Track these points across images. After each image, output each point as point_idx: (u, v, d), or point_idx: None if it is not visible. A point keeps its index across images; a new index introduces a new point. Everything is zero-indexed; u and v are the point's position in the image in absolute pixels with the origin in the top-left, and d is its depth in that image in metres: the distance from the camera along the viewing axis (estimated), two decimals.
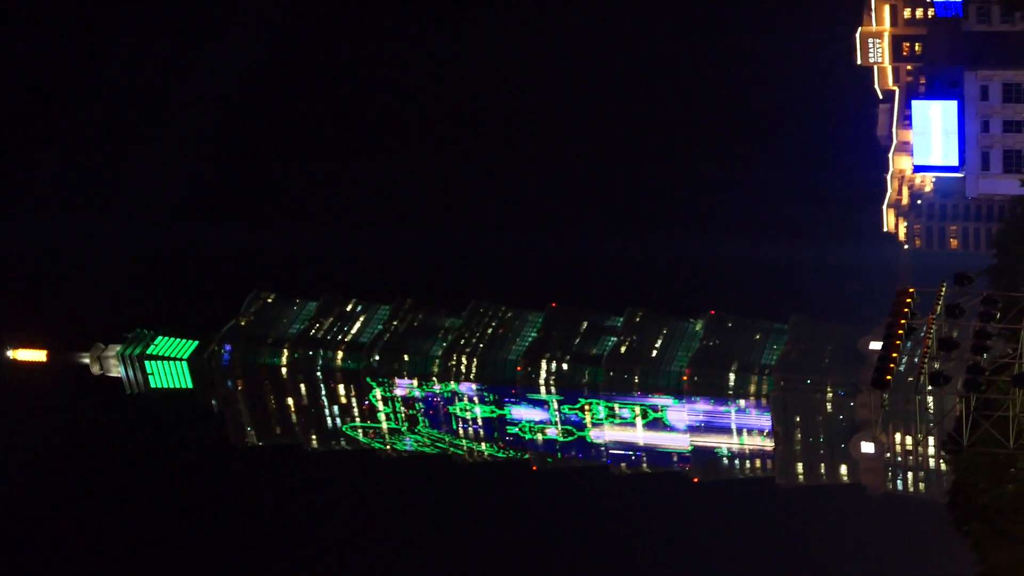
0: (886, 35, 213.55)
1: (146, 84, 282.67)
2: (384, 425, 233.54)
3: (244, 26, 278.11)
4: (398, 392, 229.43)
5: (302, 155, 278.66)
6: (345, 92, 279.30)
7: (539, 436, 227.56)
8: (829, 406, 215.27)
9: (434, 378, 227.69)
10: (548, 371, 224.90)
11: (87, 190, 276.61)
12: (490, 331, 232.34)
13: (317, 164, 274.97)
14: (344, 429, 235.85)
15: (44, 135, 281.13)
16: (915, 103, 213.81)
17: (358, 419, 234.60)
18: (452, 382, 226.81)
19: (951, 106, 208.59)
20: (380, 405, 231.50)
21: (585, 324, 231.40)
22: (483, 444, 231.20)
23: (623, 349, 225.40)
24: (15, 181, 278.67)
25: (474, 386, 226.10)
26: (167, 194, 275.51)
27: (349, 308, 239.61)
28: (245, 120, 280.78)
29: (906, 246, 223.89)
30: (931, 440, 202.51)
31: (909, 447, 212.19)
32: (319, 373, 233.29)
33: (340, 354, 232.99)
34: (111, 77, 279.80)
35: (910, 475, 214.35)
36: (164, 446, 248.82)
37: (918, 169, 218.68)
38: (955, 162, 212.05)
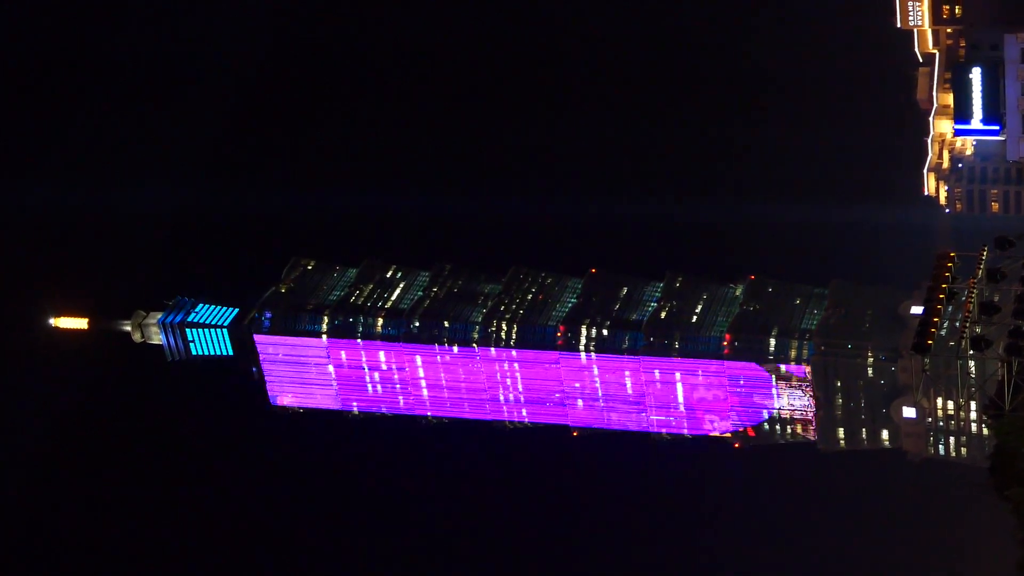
0: None
1: (182, 45, 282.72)
2: (424, 392, 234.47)
3: None
4: None
5: (343, 120, 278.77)
6: (385, 53, 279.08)
7: None
8: (870, 371, 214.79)
9: (474, 344, 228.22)
10: (588, 336, 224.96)
11: (127, 158, 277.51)
12: (530, 297, 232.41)
13: (357, 128, 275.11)
14: None
15: (82, 102, 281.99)
16: (955, 66, 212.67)
17: (398, 385, 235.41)
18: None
19: (991, 69, 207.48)
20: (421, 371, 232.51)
21: (625, 290, 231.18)
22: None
23: (663, 314, 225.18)
24: (55, 149, 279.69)
25: None
26: (206, 161, 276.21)
27: (389, 274, 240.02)
28: (285, 86, 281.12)
29: (947, 210, 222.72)
30: (973, 405, 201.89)
31: (951, 412, 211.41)
32: (359, 339, 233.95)
33: (380, 320, 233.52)
34: (143, 39, 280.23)
35: (952, 440, 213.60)
36: (205, 413, 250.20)
37: (959, 133, 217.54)
38: (996, 125, 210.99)
